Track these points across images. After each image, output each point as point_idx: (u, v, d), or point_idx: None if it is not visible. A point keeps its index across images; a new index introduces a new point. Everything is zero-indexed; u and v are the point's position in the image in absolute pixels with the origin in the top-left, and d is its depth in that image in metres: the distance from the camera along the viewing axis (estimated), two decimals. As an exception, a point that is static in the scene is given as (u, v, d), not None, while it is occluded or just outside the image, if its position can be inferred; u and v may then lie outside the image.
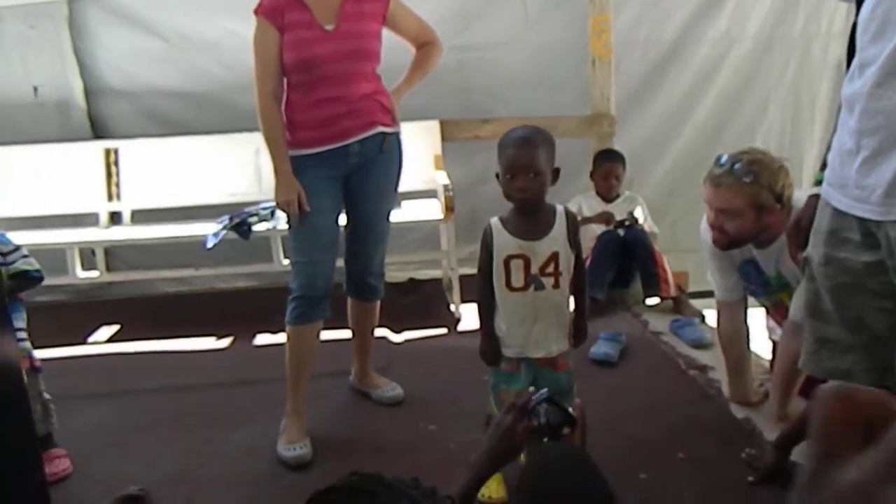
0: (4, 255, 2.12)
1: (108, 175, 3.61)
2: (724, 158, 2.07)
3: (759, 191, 2.01)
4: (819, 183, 1.51)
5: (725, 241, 2.13)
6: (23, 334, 2.13)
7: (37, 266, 2.17)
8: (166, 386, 2.76)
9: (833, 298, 1.41)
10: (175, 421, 2.48)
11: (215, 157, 3.59)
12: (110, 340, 3.36)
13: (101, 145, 3.62)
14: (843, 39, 3.60)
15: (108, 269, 3.66)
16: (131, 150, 3.60)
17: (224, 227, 3.27)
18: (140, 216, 3.65)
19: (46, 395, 2.15)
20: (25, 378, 2.04)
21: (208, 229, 3.28)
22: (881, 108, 1.22)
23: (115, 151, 3.60)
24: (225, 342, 3.24)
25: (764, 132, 3.79)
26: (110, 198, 3.62)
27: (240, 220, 3.30)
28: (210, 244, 3.22)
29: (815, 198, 1.52)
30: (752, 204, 2.03)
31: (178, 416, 2.51)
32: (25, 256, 2.15)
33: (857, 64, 1.30)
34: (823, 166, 1.50)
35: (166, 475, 2.14)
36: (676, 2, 3.71)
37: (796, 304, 2.05)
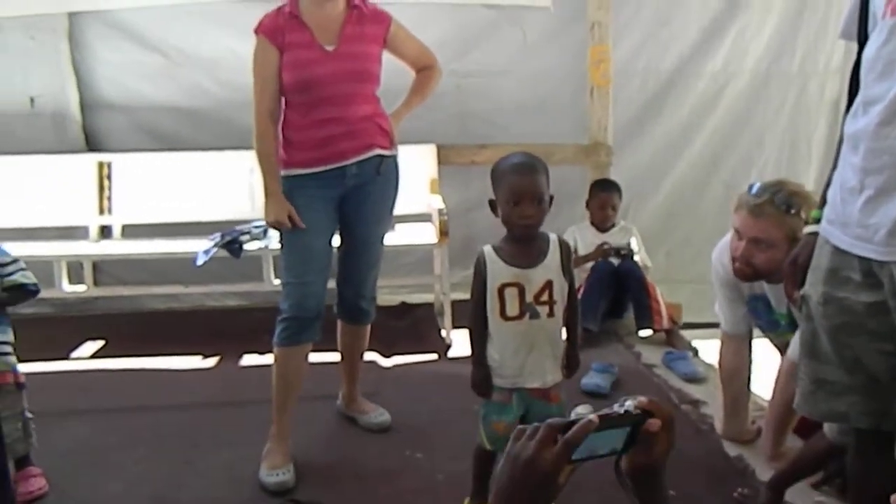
0: (4, 265, 2.10)
1: (101, 188, 3.57)
2: (758, 187, 2.03)
3: (799, 224, 1.95)
4: (816, 220, 1.49)
5: (750, 273, 2.09)
6: (8, 348, 2.09)
7: (34, 279, 2.15)
8: (149, 405, 2.70)
9: (831, 339, 1.38)
10: (156, 441, 2.42)
11: (209, 174, 3.56)
12: (94, 356, 3.30)
13: (94, 158, 3.59)
14: (840, 77, 3.68)
15: (96, 283, 3.62)
16: (124, 164, 3.58)
17: (215, 245, 3.24)
18: (131, 231, 3.62)
19: (28, 414, 2.09)
20: (8, 394, 2.02)
21: (199, 246, 3.24)
22: (887, 147, 1.21)
23: (109, 165, 3.58)
24: (211, 362, 3.19)
25: (760, 167, 3.81)
26: (101, 211, 3.58)
27: (231, 238, 3.27)
28: (200, 261, 3.19)
29: (812, 235, 1.50)
30: (789, 236, 1.97)
31: (159, 436, 2.46)
32: (23, 269, 2.13)
33: (861, 101, 1.29)
34: (821, 204, 1.48)
35: (145, 497, 2.08)
36: (675, 34, 3.75)
37: (795, 344, 2.02)
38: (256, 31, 2.17)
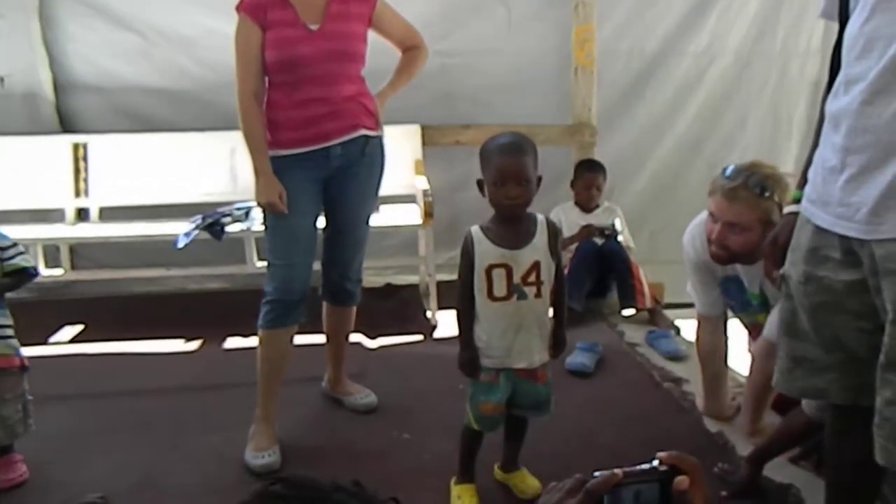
0: (4, 249, 2.09)
1: (76, 170, 3.51)
2: (732, 170, 2.04)
3: (773, 206, 1.99)
4: (796, 200, 1.50)
5: (726, 256, 2.11)
6: (10, 332, 2.09)
7: (33, 262, 2.16)
8: (131, 389, 2.68)
9: (810, 317, 1.39)
10: (140, 426, 2.41)
11: (189, 155, 3.51)
12: (73, 341, 3.26)
13: (69, 139, 3.52)
14: (820, 57, 3.69)
15: (73, 267, 3.57)
16: (101, 146, 3.51)
17: (196, 227, 3.20)
18: (109, 213, 3.56)
19: (29, 396, 2.08)
20: (12, 377, 2.02)
21: (180, 228, 3.20)
22: (870, 126, 1.21)
23: (84, 146, 3.51)
24: (194, 345, 3.17)
25: (743, 147, 3.82)
26: (78, 194, 3.52)
27: (213, 220, 3.23)
28: (181, 244, 3.15)
29: (792, 215, 1.50)
30: (763, 219, 2.00)
31: (142, 420, 2.44)
32: (22, 252, 2.13)
33: (843, 80, 1.29)
34: (802, 184, 1.49)
35: (129, 482, 2.07)
36: (659, 14, 3.74)
37: (772, 324, 2.05)
38: (238, 9, 2.13)
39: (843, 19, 1.33)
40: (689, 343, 2.98)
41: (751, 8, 3.76)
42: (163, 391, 2.67)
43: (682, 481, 0.74)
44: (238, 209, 3.29)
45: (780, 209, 1.99)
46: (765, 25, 3.79)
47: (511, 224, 1.77)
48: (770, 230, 1.99)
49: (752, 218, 2.01)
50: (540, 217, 1.81)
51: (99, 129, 3.57)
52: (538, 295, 1.78)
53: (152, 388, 2.69)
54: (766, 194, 1.99)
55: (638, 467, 0.76)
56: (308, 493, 0.82)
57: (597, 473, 0.74)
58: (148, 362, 2.98)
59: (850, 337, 1.35)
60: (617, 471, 0.74)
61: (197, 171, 3.51)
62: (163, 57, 3.56)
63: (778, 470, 1.99)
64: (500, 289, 1.76)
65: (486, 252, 1.76)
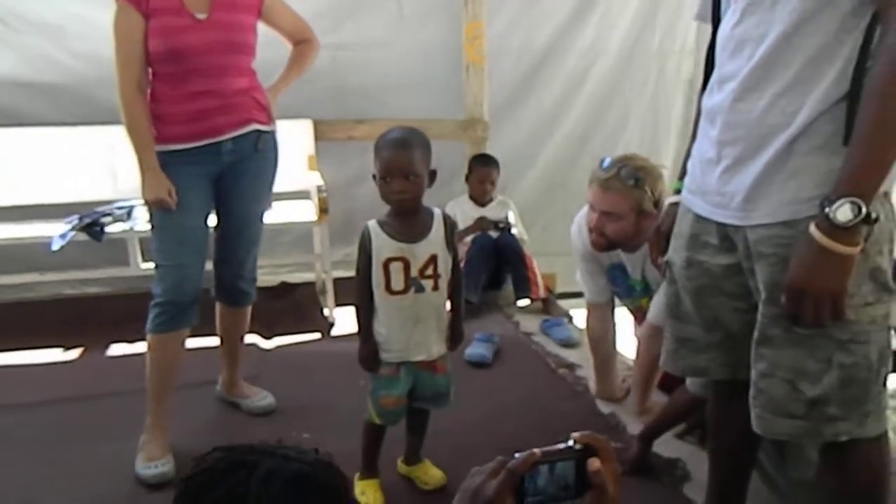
0: None
1: (-69, 169, 3.19)
2: (608, 162, 2.16)
3: (643, 196, 2.13)
4: (677, 191, 1.59)
5: (604, 243, 2.23)
6: None
7: None
8: (4, 404, 2.48)
9: (692, 300, 1.48)
10: (15, 442, 2.23)
11: (63, 152, 3.27)
12: (-67, 355, 2.97)
13: (-79, 135, 3.20)
14: (693, 57, 3.93)
15: (-68, 274, 3.25)
16: (-40, 141, 3.21)
17: (73, 228, 3.01)
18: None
19: None
20: None
21: (54, 230, 2.99)
22: (742, 121, 1.31)
23: (-60, 142, 3.20)
24: (74, 354, 2.97)
25: (626, 141, 4.01)
26: (-66, 194, 3.21)
27: (91, 220, 3.04)
28: (56, 246, 2.95)
29: (674, 205, 1.60)
30: (635, 208, 2.14)
31: (18, 436, 2.27)
32: None
33: (717, 79, 1.38)
34: (681, 175, 1.58)
35: (7, 502, 1.91)
36: (547, 12, 3.84)
37: (655, 308, 2.18)
38: (117, -4, 2.01)
39: (716, 21, 1.42)
40: (581, 330, 3.11)
41: (630, 8, 3.94)
42: (41, 404, 2.48)
43: (594, 462, 0.79)
44: (119, 208, 3.12)
45: (653, 198, 2.13)
46: (644, 25, 3.97)
47: (407, 218, 1.78)
48: (643, 218, 2.14)
49: (626, 207, 2.15)
50: (437, 211, 1.83)
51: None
52: (436, 288, 1.80)
53: (29, 401, 2.50)
54: (638, 184, 2.12)
55: (555, 447, 0.81)
56: (252, 448, 0.82)
57: (517, 455, 0.78)
58: (22, 374, 2.77)
59: (727, 317, 1.44)
60: (535, 450, 0.79)
61: (72, 168, 3.28)
62: (28, 46, 3.29)
63: (666, 446, 2.12)
64: (397, 282, 1.77)
65: (384, 246, 1.76)
